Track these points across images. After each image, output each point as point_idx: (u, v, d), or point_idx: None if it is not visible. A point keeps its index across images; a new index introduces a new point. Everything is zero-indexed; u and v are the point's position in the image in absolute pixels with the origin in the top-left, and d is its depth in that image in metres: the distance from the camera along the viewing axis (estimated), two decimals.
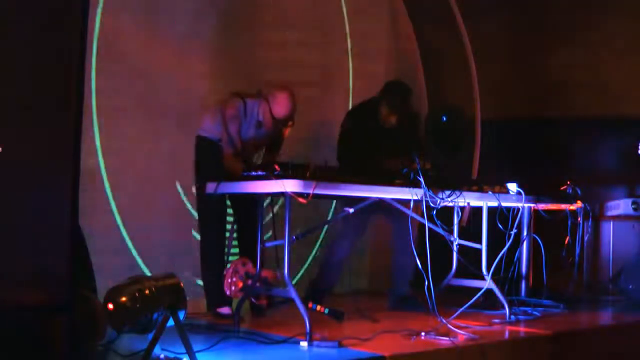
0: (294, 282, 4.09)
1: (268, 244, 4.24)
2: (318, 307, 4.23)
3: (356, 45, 6.30)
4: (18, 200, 2.66)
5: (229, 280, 4.30)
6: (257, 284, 4.20)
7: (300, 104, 4.67)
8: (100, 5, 4.74)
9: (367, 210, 4.60)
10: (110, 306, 3.40)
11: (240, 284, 4.27)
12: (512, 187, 4.76)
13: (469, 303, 4.34)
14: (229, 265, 4.39)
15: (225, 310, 4.47)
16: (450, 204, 4.46)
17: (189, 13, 5.23)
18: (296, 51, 5.88)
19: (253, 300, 4.52)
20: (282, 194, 3.86)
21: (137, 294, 3.47)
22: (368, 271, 6.35)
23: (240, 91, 4.70)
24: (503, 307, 4.62)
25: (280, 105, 4.62)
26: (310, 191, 3.77)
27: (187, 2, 5.22)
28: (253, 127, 4.65)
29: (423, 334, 3.91)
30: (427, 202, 4.27)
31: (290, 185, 3.77)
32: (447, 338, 3.81)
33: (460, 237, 4.78)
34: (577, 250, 5.25)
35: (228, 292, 4.33)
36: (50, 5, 2.74)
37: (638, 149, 6.28)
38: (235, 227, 4.65)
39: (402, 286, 5.09)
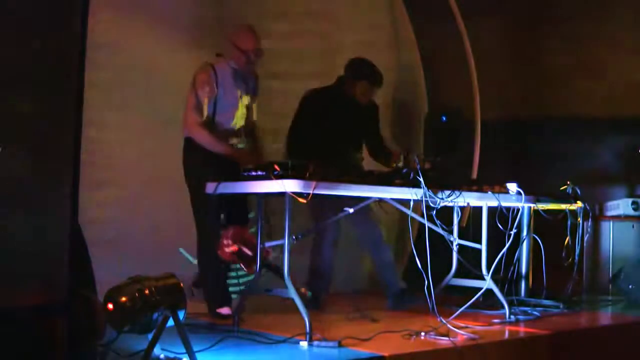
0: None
1: (268, 244, 4.24)
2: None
3: (356, 46, 6.30)
4: (18, 199, 2.66)
5: (225, 242, 4.28)
6: (250, 254, 4.21)
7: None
8: None
9: (331, 211, 4.65)
10: (110, 306, 3.40)
11: (236, 248, 4.26)
12: (512, 187, 4.75)
13: (469, 303, 4.34)
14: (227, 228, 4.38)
15: (225, 310, 4.46)
16: (450, 204, 4.46)
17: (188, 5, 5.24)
18: (296, 55, 5.89)
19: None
20: (282, 194, 3.86)
21: (137, 294, 3.46)
22: (368, 271, 6.35)
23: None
24: (503, 307, 4.62)
25: (245, 35, 4.62)
26: (310, 191, 3.77)
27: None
28: (232, 88, 4.61)
29: (423, 334, 3.91)
30: (426, 202, 4.27)
31: (290, 185, 3.77)
32: (447, 338, 3.81)
33: (460, 237, 4.78)
34: (577, 250, 5.25)
35: (219, 252, 4.31)
36: (50, 5, 2.74)
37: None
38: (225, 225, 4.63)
39: (395, 283, 5.11)
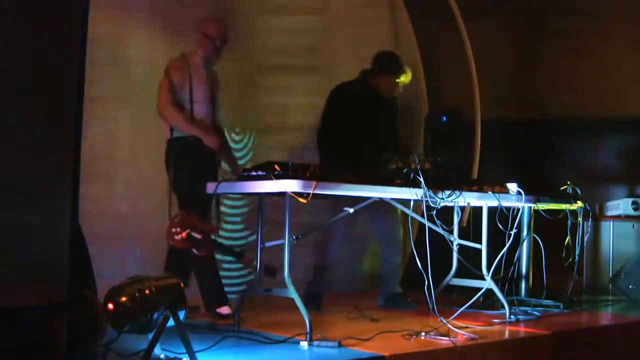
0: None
1: (268, 244, 4.23)
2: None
3: (356, 46, 6.30)
4: (18, 199, 2.66)
5: (173, 230, 4.28)
6: (200, 237, 4.21)
7: (298, 108, 4.69)
8: None
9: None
10: (110, 306, 3.40)
11: (185, 235, 4.25)
12: (512, 187, 4.75)
13: (469, 303, 4.34)
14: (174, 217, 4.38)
15: (224, 310, 4.46)
16: (451, 204, 4.46)
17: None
18: (296, 53, 5.89)
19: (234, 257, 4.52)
20: (282, 194, 3.86)
21: (137, 294, 3.46)
22: (368, 271, 6.35)
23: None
24: (503, 307, 4.62)
25: (212, 22, 4.66)
26: (310, 191, 3.77)
27: None
28: (205, 78, 4.63)
29: (423, 334, 3.91)
30: (427, 202, 4.27)
31: (290, 185, 3.77)
32: (447, 338, 3.81)
33: (460, 237, 4.78)
34: (577, 250, 5.25)
35: (171, 242, 4.31)
36: (50, 4, 2.74)
37: None
38: None
39: (391, 285, 5.11)
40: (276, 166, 3.85)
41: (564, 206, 5.25)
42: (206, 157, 4.61)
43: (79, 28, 2.80)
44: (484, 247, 4.73)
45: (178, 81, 4.56)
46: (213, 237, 4.28)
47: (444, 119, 6.40)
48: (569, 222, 5.23)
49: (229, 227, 5.67)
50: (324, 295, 5.04)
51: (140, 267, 4.67)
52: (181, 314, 3.24)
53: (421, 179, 4.21)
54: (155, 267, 4.44)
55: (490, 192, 4.65)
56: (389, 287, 5.13)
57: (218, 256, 5.04)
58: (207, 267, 4.49)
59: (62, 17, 2.77)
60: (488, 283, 4.61)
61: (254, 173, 3.98)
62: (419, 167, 4.28)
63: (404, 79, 5.22)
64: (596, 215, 6.19)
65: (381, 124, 5.08)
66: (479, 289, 4.58)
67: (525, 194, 4.72)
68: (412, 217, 4.74)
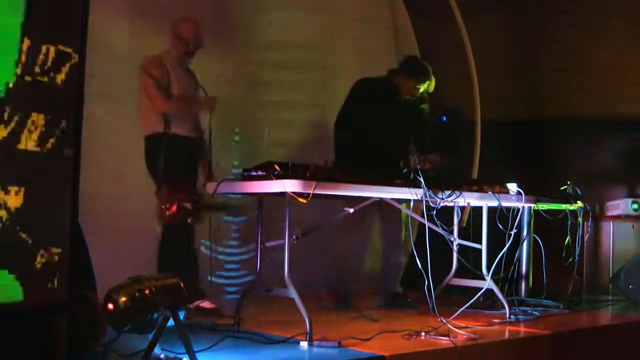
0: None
1: (268, 244, 4.23)
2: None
3: (356, 46, 6.31)
4: (18, 199, 2.66)
5: (162, 207, 4.27)
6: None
7: (298, 107, 4.69)
8: None
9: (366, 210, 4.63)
10: (110, 306, 3.40)
11: (174, 208, 4.25)
12: (512, 187, 4.75)
13: (469, 303, 4.34)
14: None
15: (207, 304, 4.46)
16: (451, 204, 4.46)
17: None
18: (296, 54, 5.89)
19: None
20: (283, 194, 3.86)
21: (137, 294, 3.46)
22: (368, 271, 6.34)
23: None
24: (503, 307, 4.62)
25: (187, 24, 4.65)
26: (310, 191, 3.77)
27: None
28: (181, 75, 4.63)
29: (423, 334, 3.91)
30: (427, 202, 4.27)
31: (290, 185, 3.76)
32: (447, 338, 3.81)
33: (460, 237, 4.78)
34: (577, 250, 5.25)
35: (164, 220, 4.31)
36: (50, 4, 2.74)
37: None
38: None
39: (392, 284, 5.12)
40: (276, 166, 3.85)
41: (564, 206, 5.25)
42: (191, 152, 4.64)
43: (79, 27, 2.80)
44: (484, 247, 4.73)
45: (160, 77, 4.54)
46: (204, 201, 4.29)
47: (444, 119, 6.40)
48: (569, 222, 5.23)
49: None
50: (351, 293, 5.10)
51: (140, 267, 4.66)
52: (181, 314, 3.24)
53: (421, 179, 4.21)
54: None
55: (490, 192, 4.65)
56: (389, 287, 5.14)
57: (218, 256, 5.05)
58: (184, 262, 4.46)
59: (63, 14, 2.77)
60: (488, 283, 4.61)
61: (254, 173, 3.98)
62: (419, 167, 4.28)
63: (424, 86, 5.19)
64: (596, 215, 6.19)
65: (394, 122, 5.10)
66: (479, 289, 4.58)
67: (525, 194, 4.72)
68: (412, 217, 4.75)
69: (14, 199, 2.63)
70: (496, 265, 4.62)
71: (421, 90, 5.18)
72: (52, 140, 2.74)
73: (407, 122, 5.22)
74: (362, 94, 5.14)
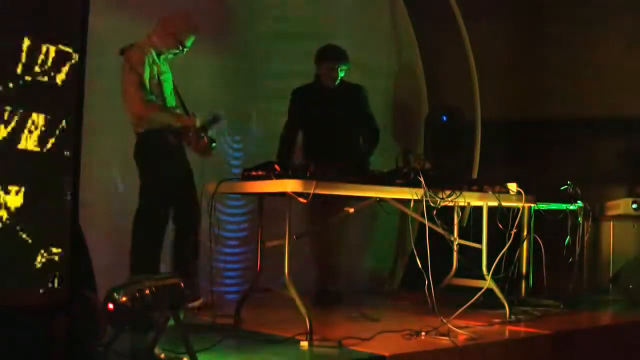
0: None
1: (269, 244, 4.22)
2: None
3: (356, 45, 6.30)
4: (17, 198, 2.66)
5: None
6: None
7: None
8: None
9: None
10: (110, 306, 3.40)
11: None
12: (512, 187, 4.75)
13: (469, 303, 4.33)
14: None
15: (196, 303, 4.46)
16: (451, 204, 4.46)
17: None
18: (296, 55, 5.87)
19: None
20: (283, 194, 3.86)
21: (137, 294, 3.46)
22: (368, 271, 6.35)
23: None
24: (503, 307, 4.62)
25: (184, 23, 4.61)
26: (310, 191, 3.77)
27: None
28: (162, 67, 4.60)
29: (423, 334, 3.91)
30: (427, 202, 4.26)
31: (290, 185, 3.76)
32: (448, 338, 3.81)
33: (460, 237, 4.78)
34: (577, 250, 5.24)
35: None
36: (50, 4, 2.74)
37: None
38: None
39: (331, 284, 5.27)
40: (276, 166, 3.85)
41: (564, 206, 5.25)
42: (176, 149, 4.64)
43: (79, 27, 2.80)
44: (484, 247, 4.72)
45: (144, 73, 4.47)
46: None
47: (444, 119, 6.40)
48: (569, 222, 5.23)
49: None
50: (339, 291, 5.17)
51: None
52: (181, 314, 3.24)
53: (421, 179, 4.21)
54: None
55: (490, 192, 4.65)
56: (327, 286, 5.25)
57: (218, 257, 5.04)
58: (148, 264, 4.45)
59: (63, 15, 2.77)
60: (488, 283, 4.61)
61: (254, 173, 3.98)
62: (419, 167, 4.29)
63: (343, 68, 5.26)
64: (596, 215, 6.19)
65: (342, 112, 5.27)
66: (479, 288, 4.58)
67: (525, 194, 4.72)
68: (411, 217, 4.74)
69: (14, 199, 2.64)
70: (496, 265, 4.62)
71: (341, 73, 5.27)
72: (52, 140, 2.74)
73: (346, 110, 5.31)
74: (296, 101, 5.33)
